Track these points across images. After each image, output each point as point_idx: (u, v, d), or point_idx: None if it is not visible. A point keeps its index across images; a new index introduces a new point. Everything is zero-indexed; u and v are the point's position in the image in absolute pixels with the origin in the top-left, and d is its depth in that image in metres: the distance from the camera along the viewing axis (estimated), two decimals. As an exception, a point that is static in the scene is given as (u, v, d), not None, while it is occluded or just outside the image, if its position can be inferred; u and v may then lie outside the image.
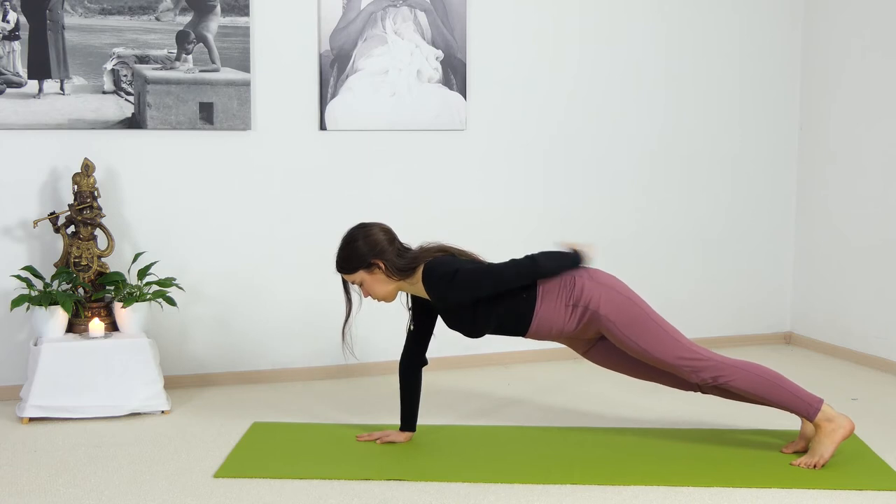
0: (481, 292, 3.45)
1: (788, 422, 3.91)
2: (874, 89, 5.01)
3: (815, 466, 3.46)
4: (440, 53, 4.80)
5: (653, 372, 3.68)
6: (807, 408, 3.49)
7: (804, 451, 3.58)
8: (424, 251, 3.56)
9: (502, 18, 4.92)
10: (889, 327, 4.93)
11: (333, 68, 4.66)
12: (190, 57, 4.45)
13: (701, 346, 3.56)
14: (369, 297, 3.61)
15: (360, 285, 3.58)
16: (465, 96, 4.86)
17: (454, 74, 4.83)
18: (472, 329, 3.57)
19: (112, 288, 4.24)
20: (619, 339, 3.54)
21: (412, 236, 4.87)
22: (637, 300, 3.54)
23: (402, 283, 3.55)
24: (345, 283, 3.65)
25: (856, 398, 4.39)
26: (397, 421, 3.89)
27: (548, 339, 3.65)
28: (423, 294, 3.55)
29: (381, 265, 3.51)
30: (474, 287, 3.45)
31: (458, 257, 3.58)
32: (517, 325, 3.56)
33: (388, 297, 3.59)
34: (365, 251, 3.51)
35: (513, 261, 3.51)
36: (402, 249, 3.57)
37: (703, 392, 3.65)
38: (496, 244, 4.95)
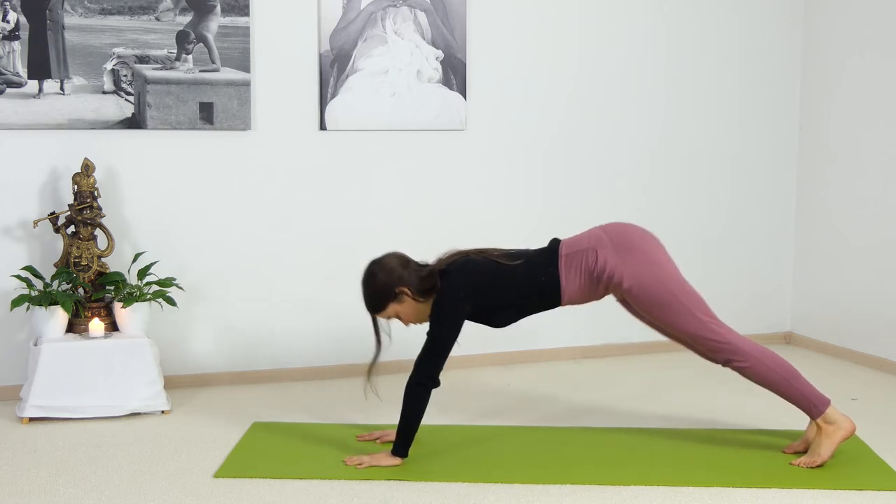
0: (434, 329, 3.44)
1: (789, 422, 3.92)
2: (874, 89, 5.01)
3: (814, 466, 3.46)
4: (440, 53, 4.80)
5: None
6: (811, 407, 3.49)
7: (805, 452, 3.59)
8: (440, 262, 3.55)
9: (502, 18, 4.92)
10: (889, 327, 4.93)
11: (333, 68, 4.66)
12: (190, 57, 4.45)
13: (723, 326, 3.53)
14: (411, 324, 3.58)
15: (397, 317, 3.55)
16: (465, 96, 4.86)
17: (454, 74, 4.83)
18: (497, 323, 3.59)
19: (112, 288, 4.24)
20: (640, 309, 3.55)
21: (412, 236, 4.89)
22: (661, 272, 3.48)
23: (431, 300, 3.53)
24: (374, 322, 3.60)
25: (856, 398, 4.39)
26: (396, 421, 3.89)
27: (583, 304, 3.64)
28: None
29: (407, 291, 3.49)
30: (436, 327, 3.44)
31: (473, 256, 3.55)
32: (547, 304, 3.57)
33: (426, 319, 3.55)
34: (386, 282, 3.48)
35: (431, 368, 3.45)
36: (419, 268, 3.54)
37: (724, 366, 3.61)
38: (496, 244, 4.95)
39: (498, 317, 3.58)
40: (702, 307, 3.52)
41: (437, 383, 3.46)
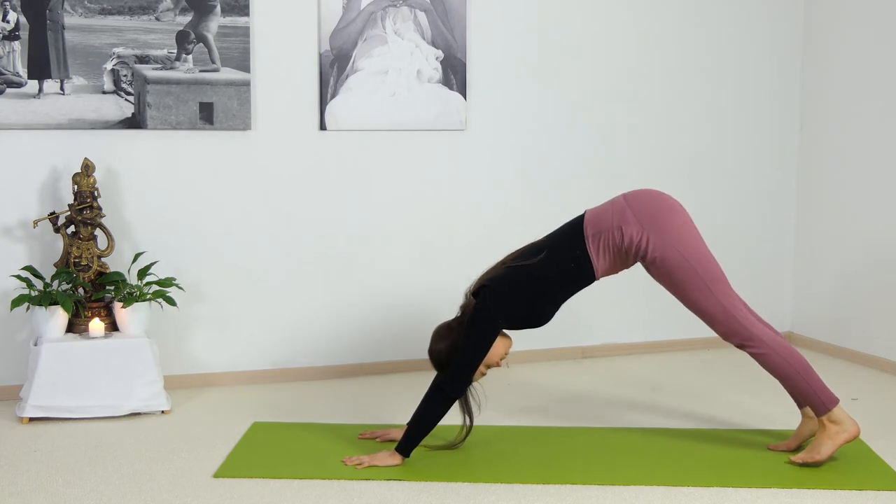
0: (464, 343, 3.45)
1: (789, 422, 3.92)
2: (874, 89, 5.01)
3: (810, 463, 3.46)
4: (440, 53, 4.80)
5: None
6: (819, 404, 3.48)
7: (794, 451, 3.60)
8: (469, 294, 3.56)
9: (502, 18, 4.92)
10: (889, 327, 4.93)
11: (333, 68, 4.66)
12: (190, 57, 4.45)
13: (743, 311, 3.50)
14: (502, 361, 3.59)
15: (488, 367, 3.56)
16: (465, 96, 4.86)
17: (454, 74, 4.83)
18: (539, 322, 3.58)
19: (112, 288, 4.24)
20: (661, 283, 3.54)
21: (411, 235, 4.89)
22: (685, 248, 3.45)
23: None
24: (466, 398, 3.60)
25: (856, 398, 4.38)
26: (396, 421, 3.89)
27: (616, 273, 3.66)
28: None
29: None
30: (466, 341, 3.46)
31: (494, 273, 3.55)
32: (582, 285, 3.57)
33: (502, 350, 3.57)
34: (452, 352, 3.49)
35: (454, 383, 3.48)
36: (459, 319, 3.55)
37: (739, 349, 3.59)
38: (496, 244, 4.96)
39: (539, 316, 3.57)
40: (723, 288, 3.48)
41: (460, 395, 3.48)
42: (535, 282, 3.50)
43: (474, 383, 3.58)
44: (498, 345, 3.54)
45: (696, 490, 3.29)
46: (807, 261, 5.49)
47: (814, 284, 5.44)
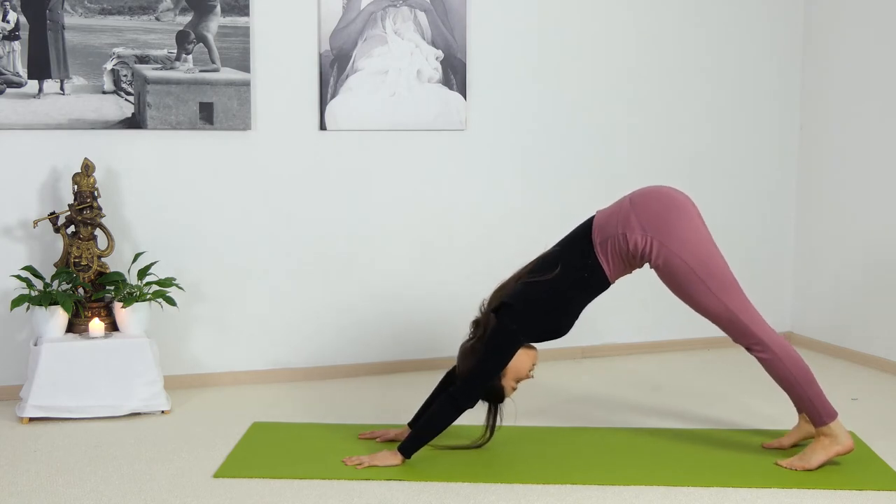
0: (484, 355, 3.46)
1: (790, 422, 3.91)
2: (874, 89, 5.01)
3: (798, 469, 3.45)
4: (440, 53, 4.80)
5: None
6: (816, 416, 3.48)
7: (788, 450, 3.61)
8: (485, 309, 3.56)
9: (502, 18, 4.92)
10: (889, 327, 4.93)
11: (333, 68, 4.66)
12: (190, 57, 4.45)
13: (750, 313, 3.49)
14: (530, 373, 3.57)
15: (517, 381, 3.56)
16: (465, 96, 4.86)
17: (454, 74, 4.83)
18: (562, 333, 3.57)
19: (112, 288, 4.24)
20: (667, 285, 3.54)
21: (411, 235, 4.89)
22: (687, 252, 3.44)
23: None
24: (492, 408, 3.62)
25: (856, 398, 4.39)
26: (397, 421, 3.89)
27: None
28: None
29: None
30: (487, 354, 3.46)
31: (510, 288, 3.54)
32: (598, 292, 3.57)
33: (528, 363, 3.55)
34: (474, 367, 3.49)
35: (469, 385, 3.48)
36: (478, 336, 3.53)
37: (747, 350, 3.59)
38: (496, 244, 4.96)
39: (559, 329, 3.56)
40: (728, 289, 3.47)
41: (471, 405, 3.47)
42: (552, 297, 3.49)
43: (508, 399, 3.59)
44: (524, 358, 3.53)
45: (696, 490, 3.29)
46: (807, 261, 5.49)
47: (814, 284, 5.44)
